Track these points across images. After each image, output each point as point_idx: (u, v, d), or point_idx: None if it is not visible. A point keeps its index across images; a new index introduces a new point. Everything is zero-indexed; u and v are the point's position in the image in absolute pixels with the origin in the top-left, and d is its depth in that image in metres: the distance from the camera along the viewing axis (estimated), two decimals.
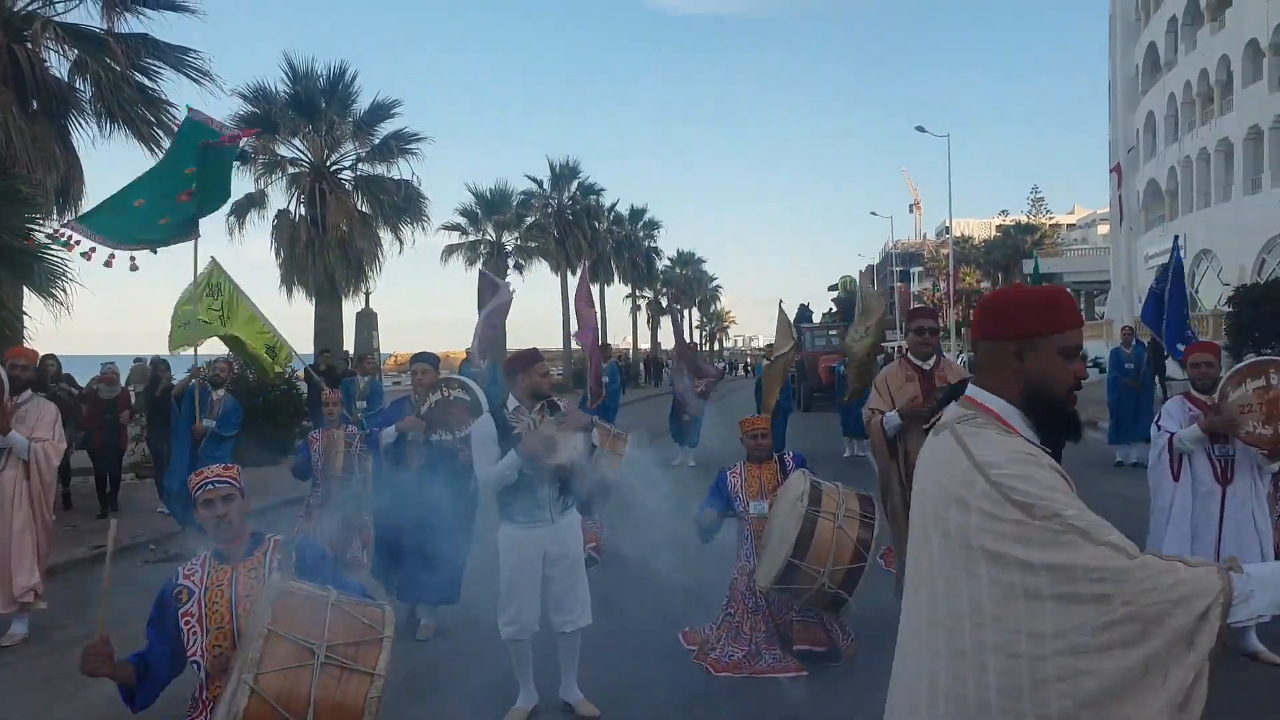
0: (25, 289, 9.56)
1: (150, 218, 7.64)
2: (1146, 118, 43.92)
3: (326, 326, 19.20)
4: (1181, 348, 9.96)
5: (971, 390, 2.01)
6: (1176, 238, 12.15)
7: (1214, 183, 37.43)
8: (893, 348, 35.46)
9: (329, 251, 18.15)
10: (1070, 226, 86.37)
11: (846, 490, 5.20)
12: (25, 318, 10.93)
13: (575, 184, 42.20)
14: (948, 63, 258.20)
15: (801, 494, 5.00)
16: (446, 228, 33.29)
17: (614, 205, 48.28)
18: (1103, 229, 66.25)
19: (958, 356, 31.21)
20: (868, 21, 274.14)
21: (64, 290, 10.64)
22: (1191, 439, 5.26)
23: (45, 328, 11.93)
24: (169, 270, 8.09)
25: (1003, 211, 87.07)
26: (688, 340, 16.27)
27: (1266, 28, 32.83)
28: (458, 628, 6.25)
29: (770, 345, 17.14)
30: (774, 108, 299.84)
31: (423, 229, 20.96)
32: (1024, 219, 77.87)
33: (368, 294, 20.68)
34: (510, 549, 4.64)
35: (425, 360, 6.53)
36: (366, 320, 20.99)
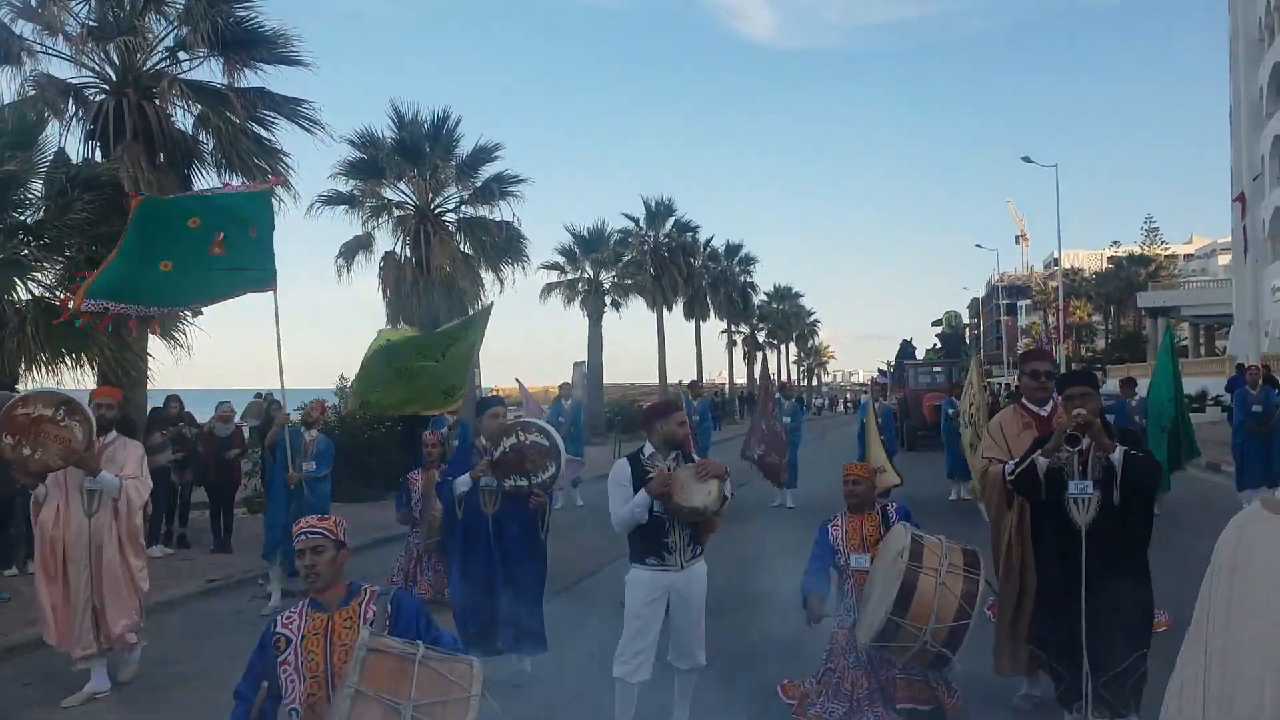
0: (148, 331, 10.05)
1: (188, 278, 7.59)
2: (1273, 142, 41.69)
3: None
4: None
5: None
6: None
7: None
8: (1000, 384, 34.37)
9: (433, 291, 18.63)
10: (1188, 257, 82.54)
11: (950, 544, 4.99)
12: (149, 359, 11.54)
13: (671, 221, 42.53)
14: (1054, 90, 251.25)
15: (903, 549, 4.84)
16: (546, 267, 33.91)
17: (709, 241, 48.40)
18: (1224, 259, 62.97)
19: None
20: (967, 51, 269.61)
21: (184, 333, 11.21)
22: None
23: (166, 366, 12.54)
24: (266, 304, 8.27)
25: (1114, 242, 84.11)
26: (771, 376, 16.18)
27: None
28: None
29: (874, 380, 16.76)
30: (874, 141, 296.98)
31: (523, 269, 21.37)
32: (1137, 250, 74.78)
33: None
34: (638, 590, 4.83)
35: (496, 404, 6.53)
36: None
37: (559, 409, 14.66)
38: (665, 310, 43.44)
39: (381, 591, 3.54)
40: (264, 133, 12.88)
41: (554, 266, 33.86)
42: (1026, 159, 40.42)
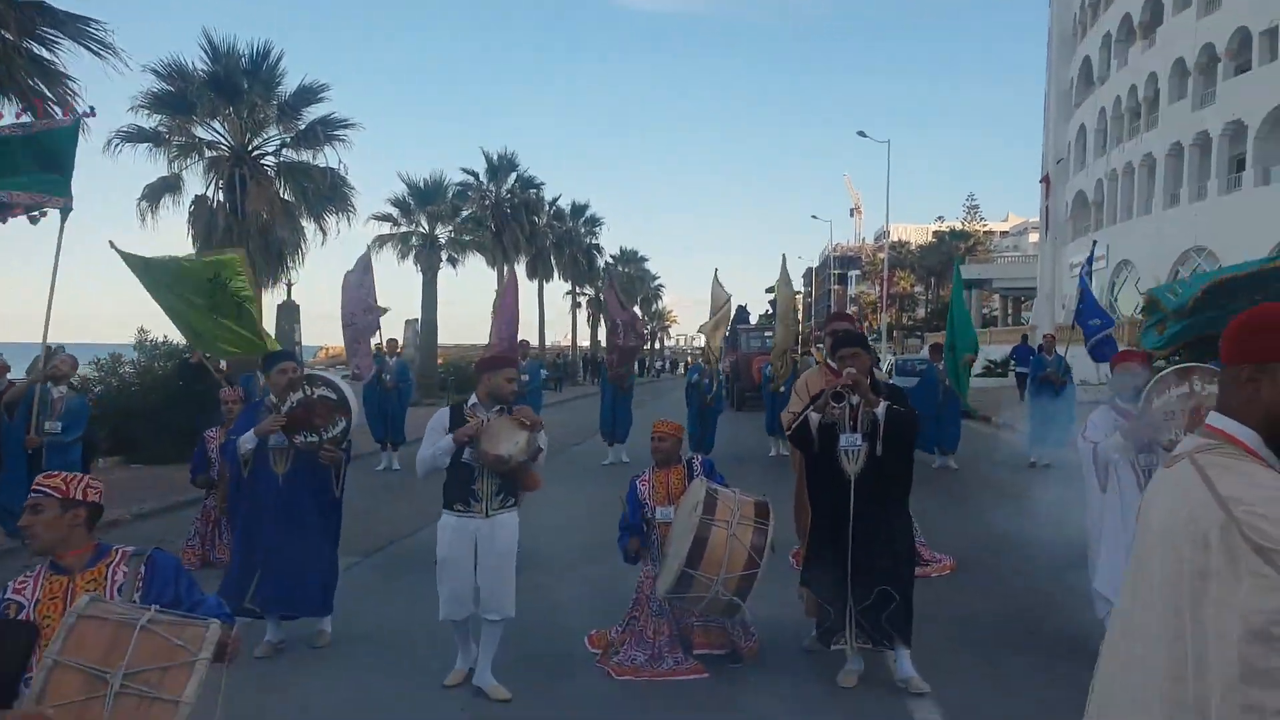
0: None
1: None
2: (1078, 130, 45.06)
3: None
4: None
5: (1214, 418, 1.87)
6: (1094, 245, 12.32)
7: (1137, 196, 38.53)
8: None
9: (249, 239, 17.41)
10: (1003, 234, 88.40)
11: (744, 497, 5.19)
12: None
13: (514, 177, 41.67)
14: (891, 69, 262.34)
15: (697, 503, 5.00)
16: (377, 218, 32.38)
17: (555, 200, 47.77)
18: (1033, 237, 67.85)
19: (888, 359, 31.60)
20: (815, 24, 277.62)
21: None
22: (1114, 448, 5.25)
23: None
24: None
25: (939, 218, 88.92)
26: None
27: (1193, 48, 33.86)
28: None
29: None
30: (720, 108, 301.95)
31: (349, 219, 20.38)
32: (959, 225, 79.44)
33: (289, 285, 20.12)
34: (444, 534, 4.98)
35: (287, 359, 6.17)
36: (288, 312, 20.33)
37: (382, 364, 14.14)
38: (506, 269, 42.78)
39: (135, 552, 3.22)
40: (44, 53, 11.58)
41: (386, 218, 32.38)
42: (861, 133, 41.96)
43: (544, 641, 5.82)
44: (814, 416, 5.04)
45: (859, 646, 5.00)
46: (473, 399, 5.11)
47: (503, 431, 4.84)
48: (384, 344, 14.55)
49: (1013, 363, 22.91)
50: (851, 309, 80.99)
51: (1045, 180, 42.15)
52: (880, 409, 4.97)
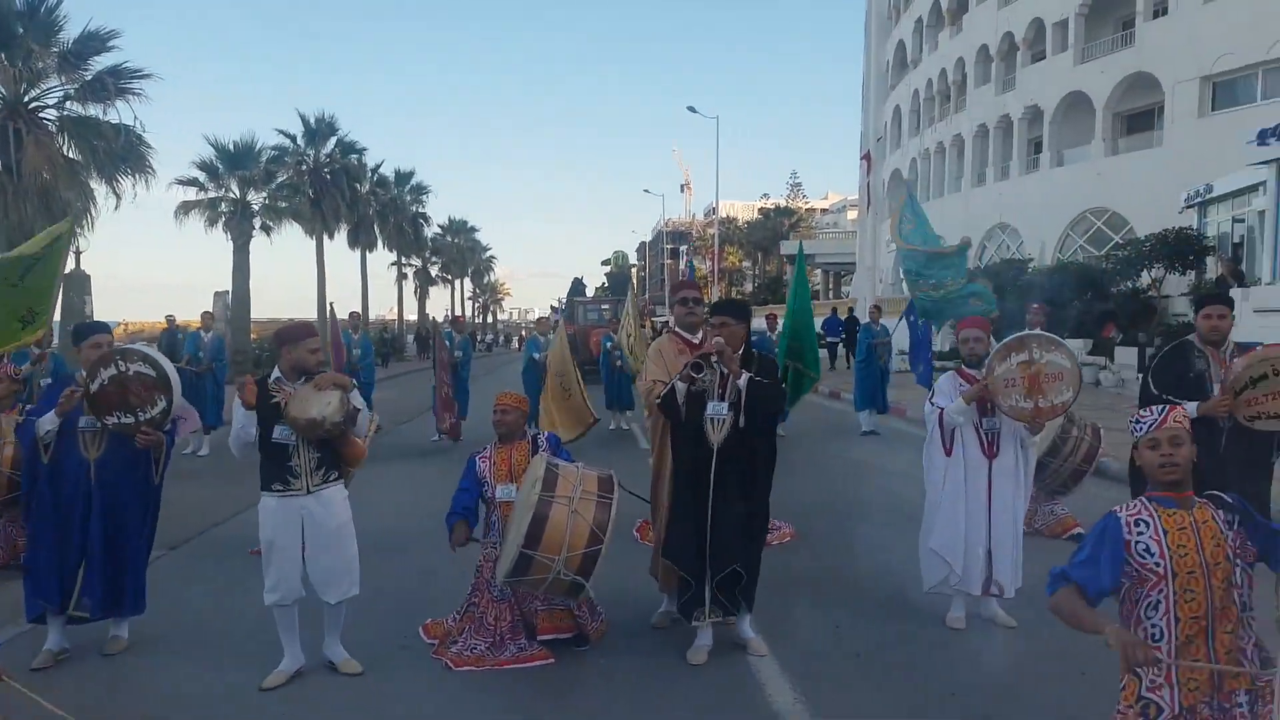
0: None
1: None
2: (894, 111, 47.29)
3: None
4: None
5: None
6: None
7: (948, 174, 40.87)
8: (661, 323, 36.18)
9: (26, 202, 15.53)
10: (824, 211, 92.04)
11: (587, 471, 4.94)
12: None
13: (333, 141, 39.64)
14: (719, 44, 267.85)
15: (536, 480, 4.72)
16: (181, 183, 29.89)
17: (378, 166, 45.99)
18: (851, 214, 71.02)
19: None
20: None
21: None
22: (958, 412, 5.37)
23: None
24: None
25: (764, 195, 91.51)
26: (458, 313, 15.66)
27: (995, 35, 36.07)
28: None
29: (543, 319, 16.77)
30: (555, 78, 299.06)
31: (147, 182, 18.62)
32: (783, 203, 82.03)
33: (78, 253, 18.24)
34: (266, 517, 4.72)
35: (100, 330, 5.48)
36: (77, 284, 18.36)
37: (196, 341, 12.94)
38: (326, 238, 40.72)
39: None
40: None
41: (191, 182, 29.86)
42: (691, 109, 42.56)
43: (374, 633, 5.40)
44: (680, 385, 4.91)
45: (714, 620, 4.96)
46: (276, 373, 4.85)
47: (311, 396, 4.59)
48: (200, 318, 13.34)
49: (822, 333, 23.84)
50: (680, 280, 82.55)
51: (866, 157, 44.04)
52: (742, 380, 4.85)
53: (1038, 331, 5.61)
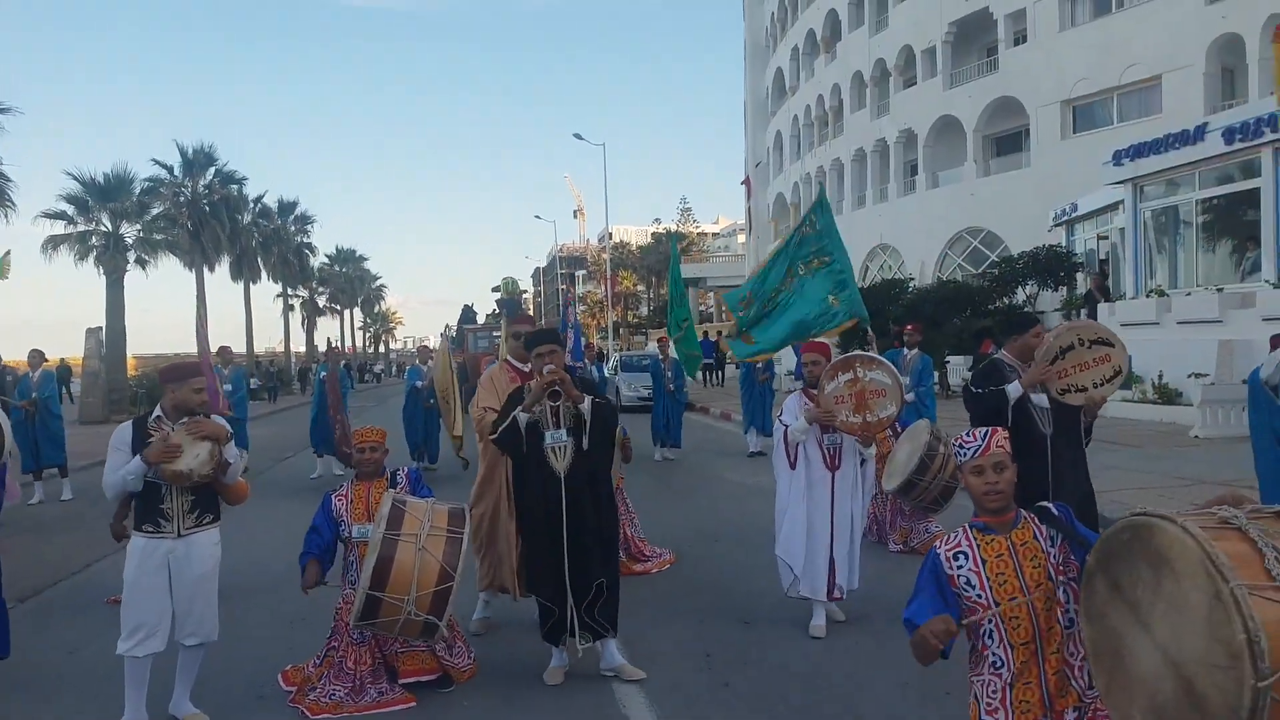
0: None
1: None
2: (775, 136, 48.53)
3: None
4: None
5: None
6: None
7: (829, 198, 42.05)
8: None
9: None
10: (715, 235, 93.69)
11: (437, 505, 4.84)
12: None
13: (212, 171, 38.64)
14: (606, 73, 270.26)
15: (381, 519, 4.59)
16: (48, 216, 28.50)
17: (260, 197, 45.21)
18: (742, 238, 72.32)
19: (617, 356, 32.24)
20: (533, 24, 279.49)
21: None
22: (800, 430, 5.70)
23: None
24: None
25: (656, 220, 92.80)
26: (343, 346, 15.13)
27: (868, 62, 37.44)
28: None
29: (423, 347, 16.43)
30: (442, 106, 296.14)
31: (6, 215, 17.62)
32: (674, 227, 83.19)
33: None
34: (133, 558, 4.58)
35: None
36: None
37: (27, 385, 11.91)
38: (207, 270, 39.35)
39: None
40: None
41: (59, 216, 28.48)
42: (578, 135, 42.70)
43: (233, 681, 5.16)
44: (522, 416, 4.97)
45: (584, 645, 4.97)
46: (157, 411, 4.73)
47: (185, 445, 4.44)
48: (28, 357, 12.30)
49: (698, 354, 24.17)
50: (581, 308, 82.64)
51: (746, 182, 44.97)
52: (586, 404, 4.95)
53: (860, 352, 5.98)
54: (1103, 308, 19.47)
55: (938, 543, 2.96)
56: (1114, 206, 21.43)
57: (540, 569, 5.00)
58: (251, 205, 43.72)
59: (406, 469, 5.49)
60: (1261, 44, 22.57)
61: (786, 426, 5.78)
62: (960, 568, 2.84)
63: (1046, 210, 25.60)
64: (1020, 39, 30.66)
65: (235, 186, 40.19)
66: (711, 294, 65.72)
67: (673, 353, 14.65)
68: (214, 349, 13.59)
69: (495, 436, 5.08)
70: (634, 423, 12.35)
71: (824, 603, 5.79)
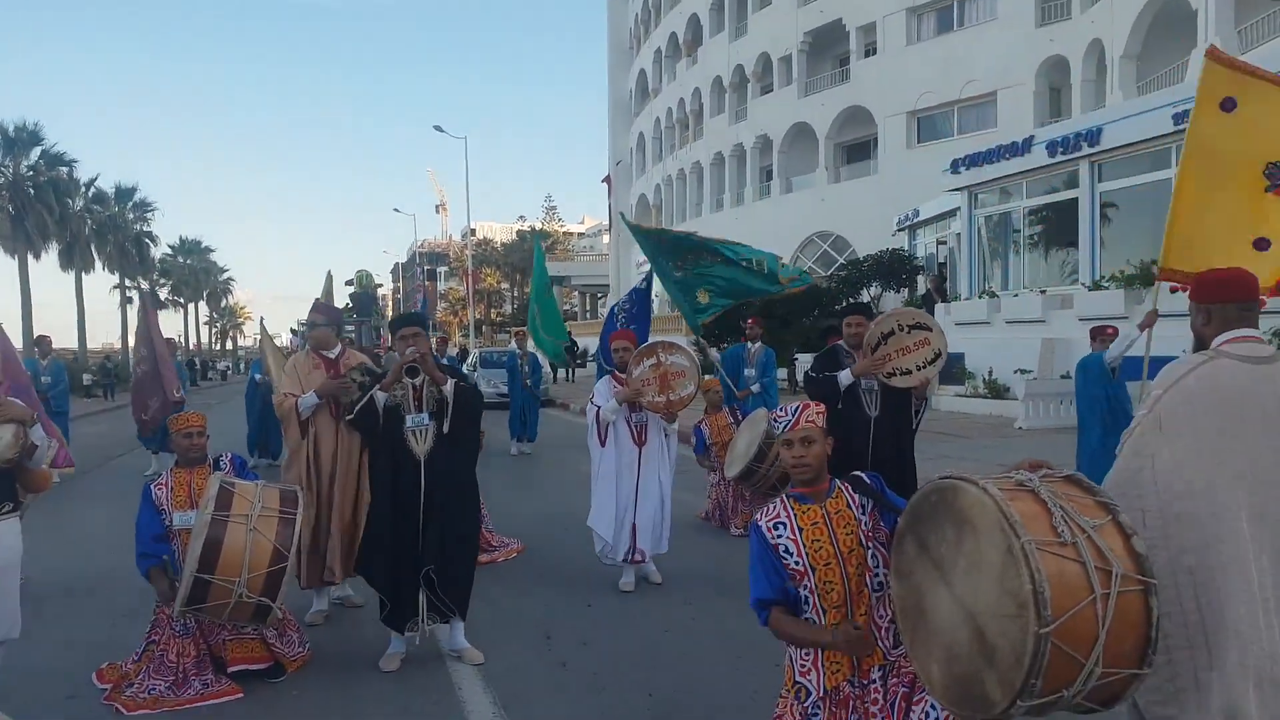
0: None
1: None
2: (638, 138, 49.05)
3: None
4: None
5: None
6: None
7: (689, 200, 42.87)
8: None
9: None
10: (581, 235, 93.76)
11: (267, 486, 4.72)
12: None
13: (38, 152, 35.97)
14: (470, 68, 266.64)
15: (208, 500, 4.43)
16: None
17: (94, 180, 42.27)
18: (606, 238, 72.75)
19: (476, 353, 31.82)
20: (399, 11, 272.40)
21: None
22: (611, 410, 6.32)
23: None
24: None
25: (521, 217, 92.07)
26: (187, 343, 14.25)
27: (728, 67, 38.35)
28: None
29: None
30: (299, 93, 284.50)
31: None
32: (539, 225, 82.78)
33: None
34: None
35: None
36: None
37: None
38: (32, 258, 36.62)
39: None
40: None
41: None
42: (438, 128, 41.83)
43: (43, 681, 4.83)
44: (380, 396, 4.95)
45: (431, 625, 5.00)
46: None
47: None
48: None
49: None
50: (442, 305, 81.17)
51: (607, 180, 45.27)
52: (449, 386, 4.96)
53: (661, 339, 6.66)
54: (940, 308, 20.59)
55: (758, 514, 3.07)
56: (952, 213, 22.75)
57: (388, 552, 4.92)
58: (84, 189, 40.97)
59: (229, 454, 5.29)
60: (1084, 65, 24.47)
61: (599, 408, 6.32)
62: (780, 536, 2.95)
63: (892, 216, 26.91)
64: (871, 51, 32.10)
65: (65, 169, 37.58)
66: (576, 292, 65.82)
67: (531, 347, 14.65)
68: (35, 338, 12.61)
69: (351, 417, 5.10)
70: (491, 419, 12.26)
71: (634, 565, 6.37)
